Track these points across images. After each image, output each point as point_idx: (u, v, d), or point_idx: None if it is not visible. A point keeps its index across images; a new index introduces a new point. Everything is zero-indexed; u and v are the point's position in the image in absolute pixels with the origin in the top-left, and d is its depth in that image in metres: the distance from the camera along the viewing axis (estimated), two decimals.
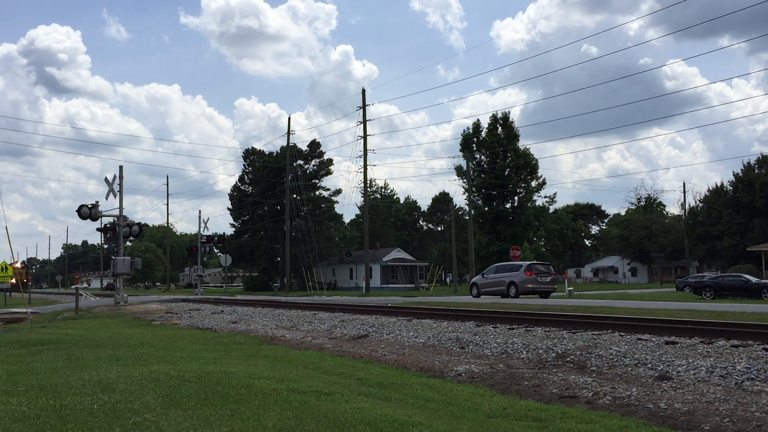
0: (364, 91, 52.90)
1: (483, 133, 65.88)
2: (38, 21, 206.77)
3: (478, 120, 67.15)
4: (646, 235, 79.02)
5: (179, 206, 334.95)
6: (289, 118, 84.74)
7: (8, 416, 5.24)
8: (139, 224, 33.91)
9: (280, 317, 19.76)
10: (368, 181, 53.55)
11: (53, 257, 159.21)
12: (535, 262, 33.50)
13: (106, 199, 31.94)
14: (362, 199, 56.06)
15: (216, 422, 5.03)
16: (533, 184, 67.07)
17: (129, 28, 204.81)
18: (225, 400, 5.92)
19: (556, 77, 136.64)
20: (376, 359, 10.85)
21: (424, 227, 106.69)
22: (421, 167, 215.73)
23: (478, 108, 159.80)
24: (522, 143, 66.80)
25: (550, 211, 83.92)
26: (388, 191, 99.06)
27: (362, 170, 52.22)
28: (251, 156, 78.37)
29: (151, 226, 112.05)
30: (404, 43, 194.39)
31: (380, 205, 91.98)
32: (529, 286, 29.73)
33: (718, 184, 62.92)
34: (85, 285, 79.83)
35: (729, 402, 6.91)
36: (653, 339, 10.68)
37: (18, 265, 77.47)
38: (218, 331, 17.23)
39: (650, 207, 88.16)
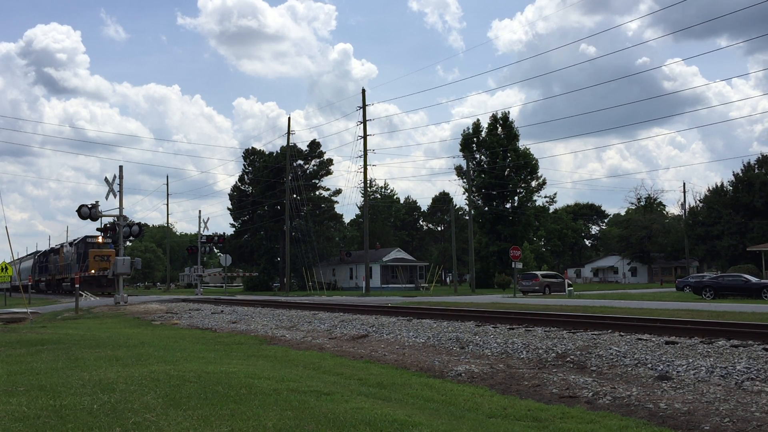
0: (364, 91, 52.92)
1: (483, 133, 65.83)
2: (36, 20, 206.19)
3: (478, 120, 67.15)
4: (646, 235, 78.94)
5: (179, 206, 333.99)
6: (289, 118, 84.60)
7: (8, 416, 5.24)
8: (139, 224, 33.93)
9: (280, 317, 19.76)
10: (368, 181, 53.55)
11: None
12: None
13: (106, 199, 31.95)
14: (362, 199, 56.07)
15: (216, 422, 5.03)
16: (533, 184, 67.08)
17: (127, 28, 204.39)
18: (225, 400, 5.92)
19: (555, 77, 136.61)
20: (376, 359, 10.85)
21: (424, 227, 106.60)
22: (420, 167, 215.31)
23: (477, 108, 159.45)
24: (521, 143, 66.86)
25: (550, 211, 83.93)
26: (388, 191, 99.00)
27: (362, 170, 52.23)
28: (251, 156, 78.30)
29: (151, 226, 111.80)
30: (403, 43, 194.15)
31: (380, 205, 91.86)
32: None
33: (718, 184, 62.79)
34: None
35: (729, 402, 6.91)
36: (653, 339, 10.68)
37: (100, 239, 57.84)
38: (218, 331, 17.23)
39: (650, 207, 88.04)
